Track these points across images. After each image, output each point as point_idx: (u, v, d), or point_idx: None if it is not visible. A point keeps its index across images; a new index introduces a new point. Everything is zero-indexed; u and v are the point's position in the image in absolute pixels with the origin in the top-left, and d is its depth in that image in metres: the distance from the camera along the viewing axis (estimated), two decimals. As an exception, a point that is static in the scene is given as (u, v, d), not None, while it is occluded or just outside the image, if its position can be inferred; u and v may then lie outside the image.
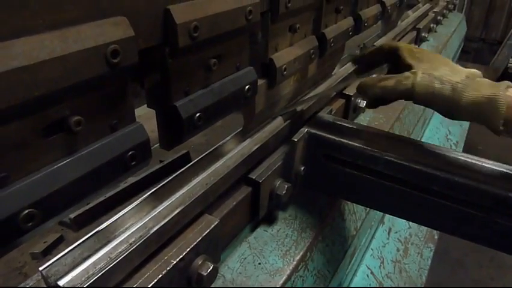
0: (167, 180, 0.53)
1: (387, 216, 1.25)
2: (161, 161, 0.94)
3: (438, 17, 2.00)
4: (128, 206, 0.48)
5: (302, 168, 0.67)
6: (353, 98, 0.92)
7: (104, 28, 0.36)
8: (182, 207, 0.49)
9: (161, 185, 0.52)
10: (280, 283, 0.59)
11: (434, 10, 1.95)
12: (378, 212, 1.15)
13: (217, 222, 0.52)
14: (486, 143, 3.44)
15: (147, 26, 0.41)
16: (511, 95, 0.51)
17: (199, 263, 0.49)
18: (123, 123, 0.43)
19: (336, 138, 0.64)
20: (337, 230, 0.76)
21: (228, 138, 0.62)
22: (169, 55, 0.44)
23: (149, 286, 0.43)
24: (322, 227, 0.71)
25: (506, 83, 0.53)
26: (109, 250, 0.42)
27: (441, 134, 1.86)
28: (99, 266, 0.40)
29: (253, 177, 0.61)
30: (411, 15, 1.59)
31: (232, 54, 0.53)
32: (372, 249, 1.13)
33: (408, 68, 0.58)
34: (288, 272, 0.61)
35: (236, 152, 0.59)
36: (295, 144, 0.64)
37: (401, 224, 1.28)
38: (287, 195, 0.65)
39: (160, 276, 0.44)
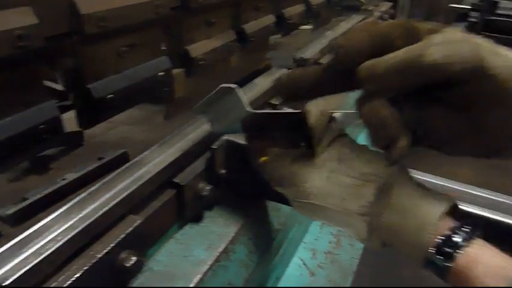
0: (96, 187, 0.61)
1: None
2: (99, 159, 1.00)
3: (372, 27, 2.17)
4: (59, 209, 0.55)
5: (224, 171, 0.77)
6: (278, 107, 1.03)
7: (12, 16, 0.44)
8: (106, 209, 0.57)
9: (88, 191, 0.60)
10: (202, 271, 0.68)
11: (367, 21, 2.12)
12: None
13: (139, 222, 0.60)
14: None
15: (52, 15, 0.48)
16: None
17: (123, 256, 0.58)
18: (36, 100, 0.50)
19: (250, 145, 0.74)
20: (260, 224, 0.86)
21: (154, 147, 0.71)
22: (78, 42, 0.52)
23: (77, 276, 0.50)
24: (245, 223, 0.80)
25: None
26: (39, 247, 0.49)
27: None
28: (30, 259, 0.47)
29: (177, 181, 0.69)
30: (343, 25, 1.73)
31: (145, 43, 0.62)
32: (305, 242, 1.25)
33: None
34: (210, 262, 0.70)
35: (160, 159, 0.68)
36: (214, 151, 0.73)
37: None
38: (209, 196, 0.74)
39: (85, 267, 0.52)
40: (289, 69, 1.18)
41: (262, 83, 1.04)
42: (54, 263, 0.50)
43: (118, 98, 0.54)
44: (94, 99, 0.51)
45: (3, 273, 0.45)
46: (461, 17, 3.47)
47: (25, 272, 0.46)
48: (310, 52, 1.33)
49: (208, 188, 0.74)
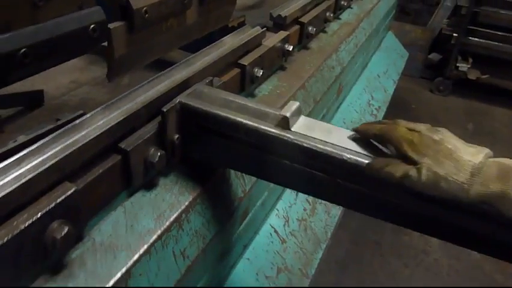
0: (30, 149, 0.56)
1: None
2: (57, 120, 0.95)
3: (364, -15, 2.05)
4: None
5: (176, 136, 0.71)
6: (248, 67, 0.96)
7: None
8: (32, 175, 0.52)
9: (22, 154, 0.55)
10: (149, 242, 0.64)
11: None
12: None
13: (74, 189, 0.55)
14: (419, 101, 3.59)
15: None
16: None
17: (55, 226, 0.53)
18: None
19: (205, 108, 0.68)
20: (220, 193, 0.82)
21: (98, 109, 0.65)
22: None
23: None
24: (202, 191, 0.76)
25: None
26: None
27: (364, 100, 1.96)
28: None
29: (122, 146, 0.64)
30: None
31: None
32: (277, 209, 1.22)
33: (410, 160, 0.55)
34: (159, 232, 0.66)
35: (102, 122, 0.62)
36: (165, 114, 0.67)
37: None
38: (161, 162, 0.69)
39: (5, 240, 0.47)
40: (263, 27, 1.10)
41: (232, 42, 0.97)
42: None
43: (34, 53, 0.47)
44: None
45: None
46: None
47: None
48: (289, 9, 1.24)
49: (159, 154, 0.69)
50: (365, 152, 0.59)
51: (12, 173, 0.52)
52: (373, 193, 0.59)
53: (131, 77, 1.28)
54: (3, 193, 0.48)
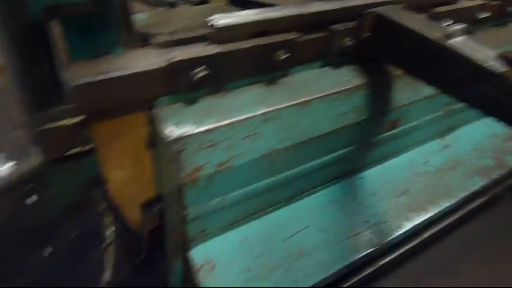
0: (278, 7, 0.92)
1: (449, 135, 1.47)
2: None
3: None
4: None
5: (366, 35, 0.99)
6: (437, 15, 1.17)
7: None
8: (274, 17, 0.88)
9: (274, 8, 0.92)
10: (326, 93, 0.95)
11: None
12: (438, 126, 1.40)
13: (296, 36, 0.90)
14: None
15: None
16: None
17: (281, 52, 0.89)
18: None
19: (391, 17, 0.95)
20: (382, 92, 1.08)
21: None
22: None
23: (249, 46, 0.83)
24: (370, 82, 1.03)
25: None
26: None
27: None
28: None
29: (330, 27, 0.96)
30: None
31: None
32: (421, 150, 1.39)
33: None
34: (334, 91, 0.97)
35: (319, 8, 0.95)
36: (363, 15, 0.96)
37: (462, 148, 1.49)
38: (350, 49, 0.99)
39: (251, 45, 0.84)
40: None
41: None
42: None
43: None
44: None
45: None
46: None
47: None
48: None
49: (351, 43, 0.98)
50: (501, 63, 0.78)
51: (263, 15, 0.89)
52: (501, 96, 0.78)
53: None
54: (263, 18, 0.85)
